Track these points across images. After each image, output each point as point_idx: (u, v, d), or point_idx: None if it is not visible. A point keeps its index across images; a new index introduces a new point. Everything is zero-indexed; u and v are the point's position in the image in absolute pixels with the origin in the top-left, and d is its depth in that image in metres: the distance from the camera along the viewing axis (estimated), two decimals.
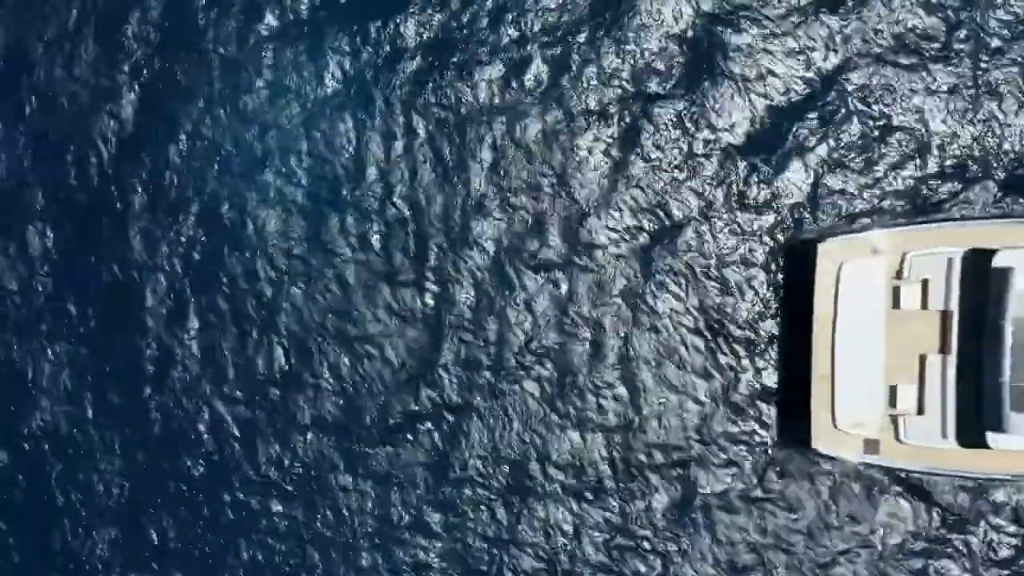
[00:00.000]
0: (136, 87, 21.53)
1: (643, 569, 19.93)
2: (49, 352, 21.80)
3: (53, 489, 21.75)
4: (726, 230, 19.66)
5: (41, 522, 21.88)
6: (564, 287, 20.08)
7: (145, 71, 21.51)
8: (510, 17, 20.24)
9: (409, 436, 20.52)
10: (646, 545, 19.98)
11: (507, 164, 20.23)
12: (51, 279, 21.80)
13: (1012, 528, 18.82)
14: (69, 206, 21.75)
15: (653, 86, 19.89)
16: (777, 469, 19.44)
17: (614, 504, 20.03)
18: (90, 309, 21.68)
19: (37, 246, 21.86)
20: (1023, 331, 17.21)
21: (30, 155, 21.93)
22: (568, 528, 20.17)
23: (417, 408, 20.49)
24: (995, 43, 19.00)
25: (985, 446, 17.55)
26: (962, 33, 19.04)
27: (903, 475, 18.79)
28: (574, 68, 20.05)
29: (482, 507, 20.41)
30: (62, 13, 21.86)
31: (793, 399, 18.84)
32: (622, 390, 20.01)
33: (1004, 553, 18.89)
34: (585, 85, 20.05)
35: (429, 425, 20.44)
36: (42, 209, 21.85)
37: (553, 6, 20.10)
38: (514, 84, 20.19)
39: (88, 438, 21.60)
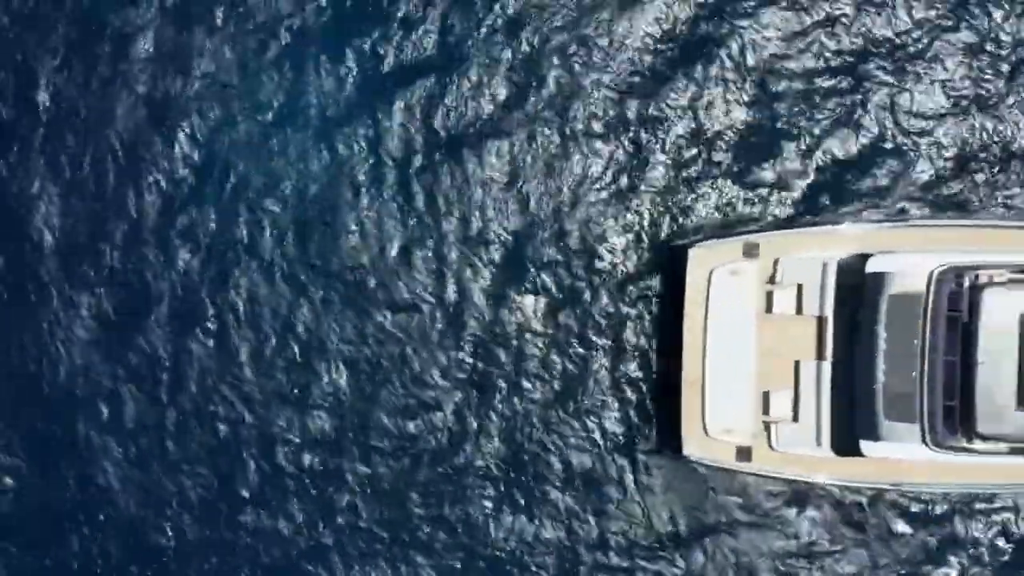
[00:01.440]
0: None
1: None
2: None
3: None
4: (600, 235, 19.16)
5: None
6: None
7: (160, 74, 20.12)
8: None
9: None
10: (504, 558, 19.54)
11: None
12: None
13: (881, 536, 18.85)
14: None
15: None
16: (649, 477, 19.02)
17: (480, 516, 19.48)
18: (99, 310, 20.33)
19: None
20: (896, 337, 17.07)
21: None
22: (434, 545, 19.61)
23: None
24: (872, 45, 18.76)
25: (859, 454, 17.41)
26: (844, 36, 18.80)
27: (776, 482, 18.54)
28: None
29: None
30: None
31: (669, 406, 18.39)
32: (488, 397, 19.43)
33: (873, 561, 18.92)
34: None
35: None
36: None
37: None
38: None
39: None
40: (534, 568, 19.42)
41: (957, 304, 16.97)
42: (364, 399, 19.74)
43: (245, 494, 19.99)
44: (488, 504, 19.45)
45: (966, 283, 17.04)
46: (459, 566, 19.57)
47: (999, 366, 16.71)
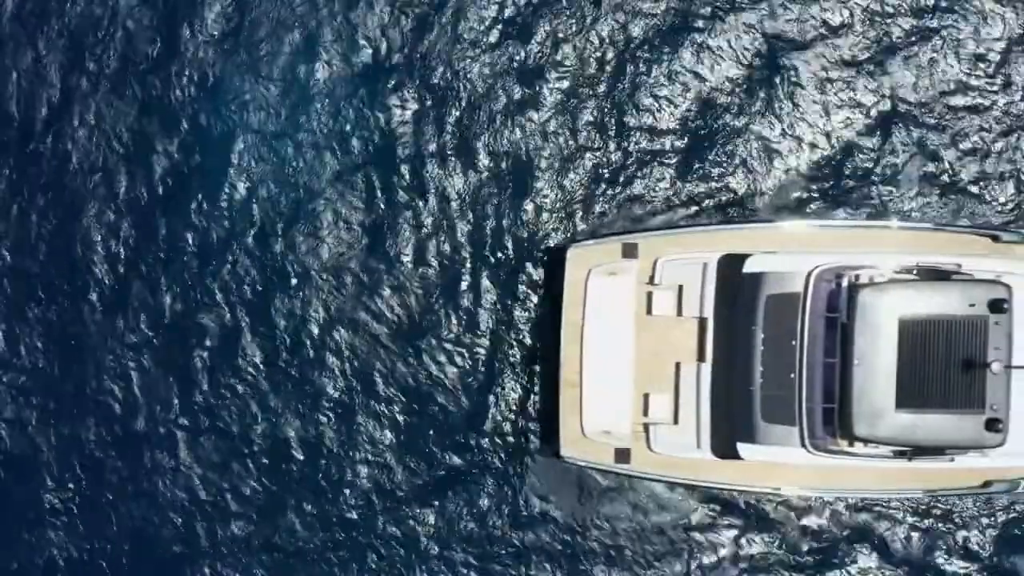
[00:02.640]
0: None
1: None
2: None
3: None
4: (482, 236, 19.06)
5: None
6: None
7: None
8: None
9: None
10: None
11: None
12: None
13: (759, 540, 18.73)
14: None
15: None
16: (531, 479, 18.90)
17: (367, 520, 19.36)
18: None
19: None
20: (774, 338, 16.86)
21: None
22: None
23: None
24: (757, 46, 18.77)
25: (738, 456, 17.20)
26: (728, 37, 18.76)
27: (655, 485, 18.43)
28: None
29: None
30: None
31: (550, 408, 18.32)
32: (369, 403, 19.30)
33: (753, 564, 18.78)
34: None
35: None
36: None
37: None
38: None
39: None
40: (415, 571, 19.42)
41: (836, 305, 16.77)
42: None
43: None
44: (374, 505, 19.36)
45: (845, 283, 16.82)
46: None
47: (878, 367, 16.47)
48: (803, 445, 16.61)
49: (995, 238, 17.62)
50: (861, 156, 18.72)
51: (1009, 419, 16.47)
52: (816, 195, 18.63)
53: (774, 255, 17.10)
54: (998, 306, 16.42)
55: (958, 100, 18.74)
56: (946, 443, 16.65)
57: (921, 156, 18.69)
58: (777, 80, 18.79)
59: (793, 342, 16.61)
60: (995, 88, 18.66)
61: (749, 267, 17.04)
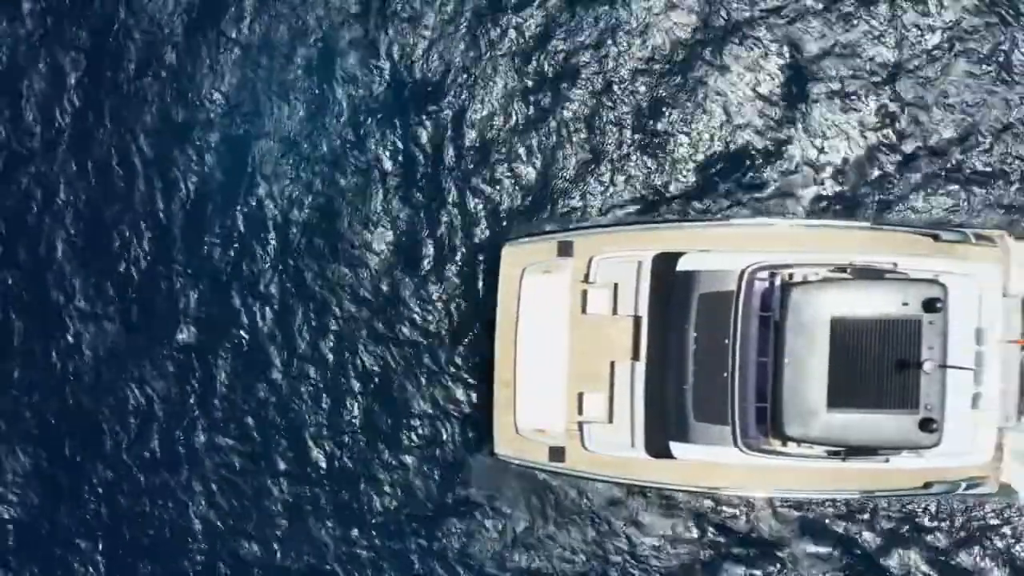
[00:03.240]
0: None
1: None
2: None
3: None
4: (418, 233, 19.12)
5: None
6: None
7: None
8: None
9: None
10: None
11: None
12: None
13: (692, 538, 18.72)
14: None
15: None
16: (466, 477, 19.00)
17: (299, 520, 19.40)
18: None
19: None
20: (707, 337, 16.77)
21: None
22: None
23: None
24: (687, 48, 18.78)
25: (671, 456, 17.12)
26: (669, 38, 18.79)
27: (591, 483, 18.42)
28: None
29: None
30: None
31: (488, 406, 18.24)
32: (309, 401, 19.37)
33: (686, 564, 18.77)
34: None
35: None
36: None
37: None
38: None
39: None
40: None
41: (769, 304, 16.67)
42: None
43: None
44: (304, 500, 19.43)
45: (778, 282, 16.73)
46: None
47: (809, 367, 16.35)
48: (736, 445, 16.51)
49: (935, 237, 17.49)
50: (798, 155, 18.71)
51: (944, 419, 16.38)
52: (751, 194, 18.61)
53: (708, 253, 17.02)
54: (932, 305, 16.31)
55: (896, 99, 18.72)
56: (879, 443, 16.52)
57: (862, 154, 18.66)
58: (710, 79, 18.82)
59: (726, 341, 16.52)
60: (943, 88, 18.63)
61: (683, 265, 16.97)
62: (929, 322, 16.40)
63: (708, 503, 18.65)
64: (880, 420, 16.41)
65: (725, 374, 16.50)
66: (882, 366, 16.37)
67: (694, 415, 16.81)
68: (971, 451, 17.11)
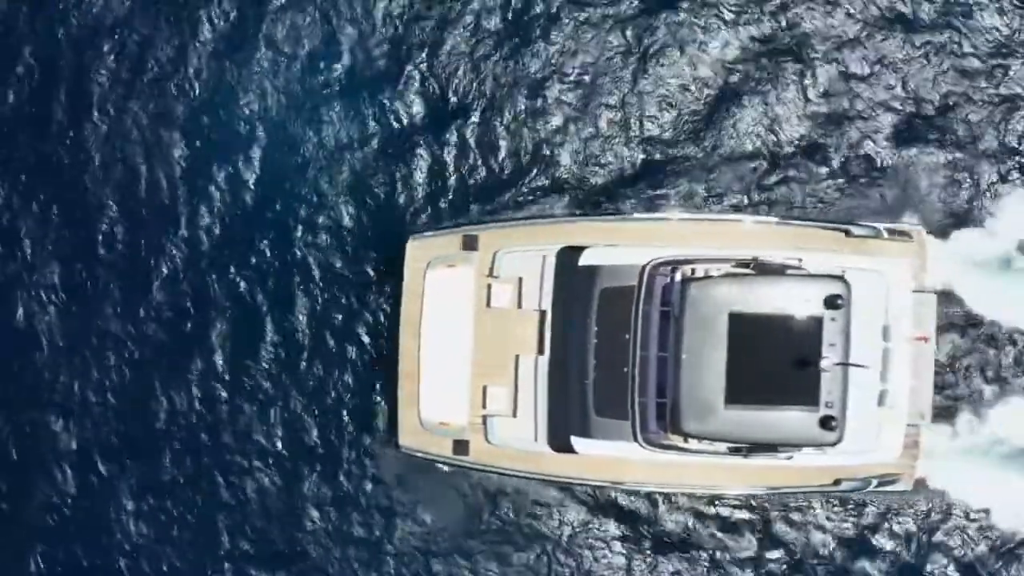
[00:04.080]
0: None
1: None
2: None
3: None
4: (329, 226, 19.18)
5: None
6: None
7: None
8: None
9: None
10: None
11: None
12: None
13: (594, 533, 18.77)
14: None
15: None
16: (374, 471, 19.03)
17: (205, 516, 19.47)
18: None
19: None
20: (608, 332, 16.73)
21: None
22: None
23: None
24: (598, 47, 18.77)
25: (573, 450, 17.11)
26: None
27: (494, 477, 18.38)
28: None
29: None
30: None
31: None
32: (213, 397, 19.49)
33: (583, 555, 18.86)
34: None
35: None
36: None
37: None
38: None
39: None
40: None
41: (670, 299, 16.58)
42: None
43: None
44: (216, 492, 19.49)
45: (678, 277, 16.65)
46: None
47: (707, 362, 16.27)
48: (636, 440, 16.47)
49: (847, 232, 17.32)
50: (708, 149, 18.68)
51: (846, 417, 16.27)
52: (658, 189, 18.58)
53: (610, 248, 17.00)
54: (833, 302, 16.18)
55: (818, 92, 18.65)
56: (778, 441, 16.44)
57: (775, 148, 18.62)
58: (614, 76, 18.82)
59: (626, 336, 16.47)
60: (868, 84, 18.56)
61: (585, 260, 16.95)
62: (831, 319, 16.28)
63: (644, 501, 18.73)
64: (779, 417, 16.31)
65: (625, 369, 16.45)
66: (782, 363, 16.27)
67: (595, 410, 16.79)
68: (877, 449, 16.99)
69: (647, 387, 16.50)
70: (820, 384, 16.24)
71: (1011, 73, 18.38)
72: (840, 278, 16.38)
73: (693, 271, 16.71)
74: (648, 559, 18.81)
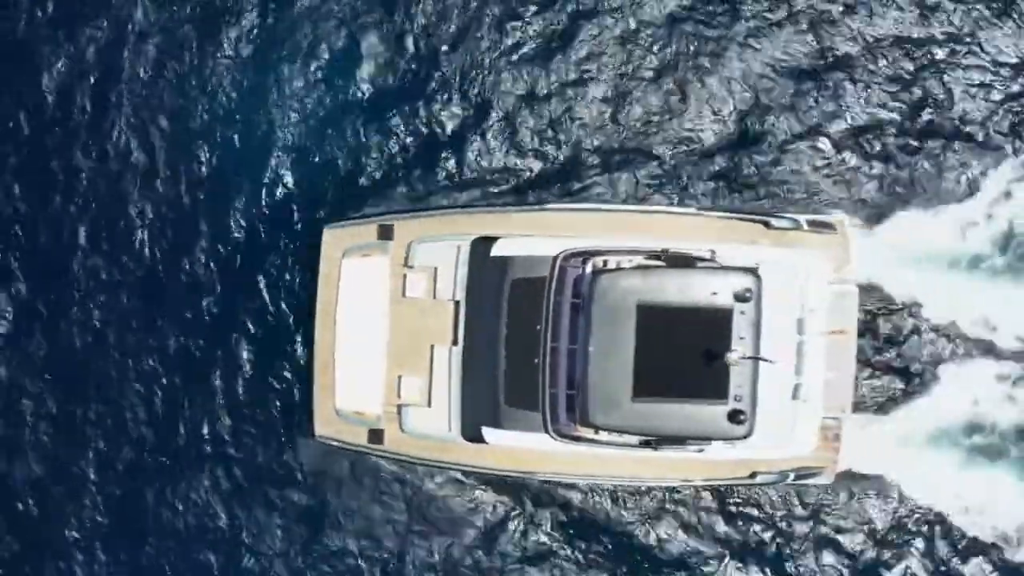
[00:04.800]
0: None
1: None
2: None
3: None
4: (241, 217, 19.20)
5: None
6: None
7: None
8: None
9: None
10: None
11: None
12: None
13: (499, 522, 18.90)
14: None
15: None
16: (291, 461, 19.11)
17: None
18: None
19: None
20: (519, 323, 16.69)
21: None
22: None
23: None
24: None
25: (484, 440, 17.14)
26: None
27: (409, 466, 18.52)
28: None
29: None
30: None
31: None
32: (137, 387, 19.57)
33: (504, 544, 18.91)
34: None
35: None
36: None
37: None
38: None
39: None
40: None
41: (581, 290, 16.54)
42: None
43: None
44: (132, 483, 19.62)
45: (589, 269, 16.59)
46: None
47: (615, 355, 16.22)
48: (546, 431, 16.46)
49: (767, 224, 17.17)
50: (631, 140, 18.57)
51: (756, 411, 16.20)
52: (580, 180, 18.54)
53: (522, 239, 16.94)
54: (742, 295, 16.09)
55: (741, 85, 18.49)
56: (686, 434, 16.39)
57: (694, 139, 18.52)
58: (530, 67, 18.77)
59: (537, 327, 16.42)
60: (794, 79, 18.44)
61: (497, 251, 16.93)
62: (740, 312, 16.20)
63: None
64: (687, 411, 16.26)
65: (536, 361, 16.43)
66: (690, 356, 16.21)
67: (506, 401, 16.80)
68: (791, 442, 16.91)
69: (557, 379, 16.47)
70: (729, 378, 16.18)
71: (932, 71, 18.26)
72: (751, 271, 16.26)
73: (605, 263, 16.65)
74: (579, 549, 18.87)
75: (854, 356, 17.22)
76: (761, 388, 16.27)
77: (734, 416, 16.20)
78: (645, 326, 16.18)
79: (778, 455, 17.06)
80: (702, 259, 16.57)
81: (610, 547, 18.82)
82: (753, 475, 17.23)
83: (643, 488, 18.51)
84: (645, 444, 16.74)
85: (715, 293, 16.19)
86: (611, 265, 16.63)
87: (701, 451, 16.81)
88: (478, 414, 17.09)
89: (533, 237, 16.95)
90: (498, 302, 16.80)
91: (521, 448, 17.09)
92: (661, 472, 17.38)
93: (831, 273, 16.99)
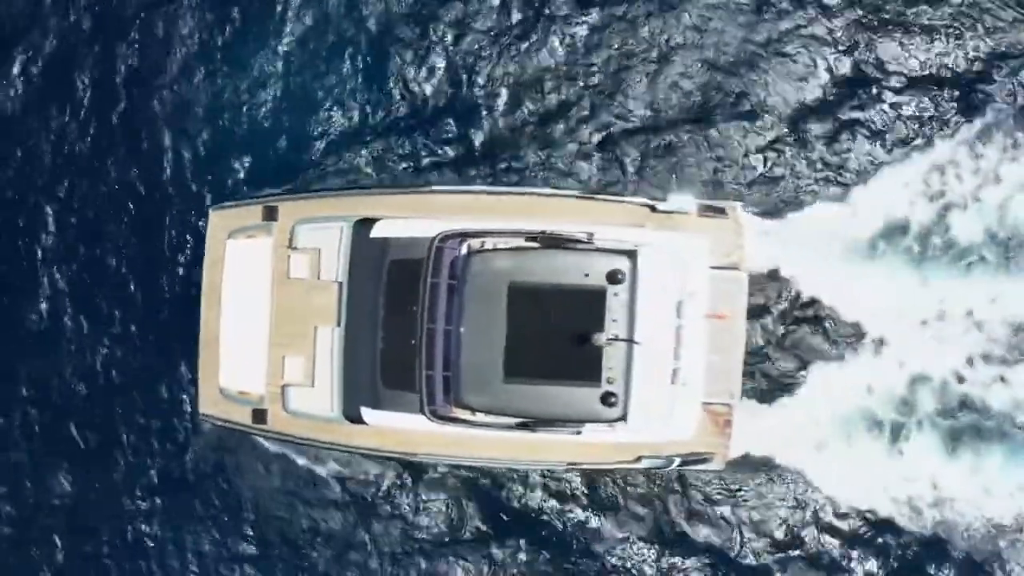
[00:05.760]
0: None
1: None
2: None
3: None
4: (128, 197, 19.35)
5: None
6: None
7: None
8: None
9: None
10: None
11: None
12: None
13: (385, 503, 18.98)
14: None
15: None
16: (178, 440, 19.35)
17: None
18: None
19: None
20: (397, 304, 16.75)
21: None
22: None
23: None
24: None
25: (364, 421, 17.19)
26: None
27: (294, 446, 18.55)
28: None
29: None
30: None
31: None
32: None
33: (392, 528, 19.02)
34: None
35: None
36: None
37: None
38: None
39: None
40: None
41: (458, 272, 16.55)
42: None
43: None
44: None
45: (465, 250, 16.60)
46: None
47: (487, 336, 16.30)
48: (423, 413, 16.51)
49: (653, 208, 17.08)
50: (520, 123, 18.63)
51: (630, 394, 16.17)
52: (469, 162, 18.62)
53: (402, 220, 16.97)
54: (614, 277, 16.06)
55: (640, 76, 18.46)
56: (559, 416, 16.40)
57: (581, 123, 18.56)
58: (412, 51, 18.92)
59: (414, 308, 16.49)
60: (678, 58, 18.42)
61: (376, 232, 16.99)
62: (614, 294, 16.17)
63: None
64: (560, 392, 16.29)
65: (413, 342, 16.48)
66: (563, 337, 16.20)
67: (384, 382, 16.86)
68: (671, 427, 16.81)
69: (434, 360, 16.45)
70: (602, 360, 16.17)
71: (833, 60, 18.18)
72: (626, 252, 16.23)
73: (483, 244, 16.65)
74: (477, 529, 18.92)
75: (743, 342, 17.09)
76: (637, 371, 16.25)
77: (606, 399, 16.18)
78: (516, 307, 16.22)
79: (659, 439, 16.95)
80: (578, 241, 16.53)
81: (506, 528, 18.84)
82: (638, 459, 17.14)
83: (532, 471, 18.48)
84: (522, 426, 16.75)
85: (587, 275, 16.19)
86: (488, 247, 16.64)
87: (579, 433, 16.73)
88: (358, 395, 17.14)
89: (412, 219, 16.97)
90: (377, 283, 16.86)
91: (400, 429, 17.10)
92: (542, 455, 17.29)
93: (719, 258, 16.90)
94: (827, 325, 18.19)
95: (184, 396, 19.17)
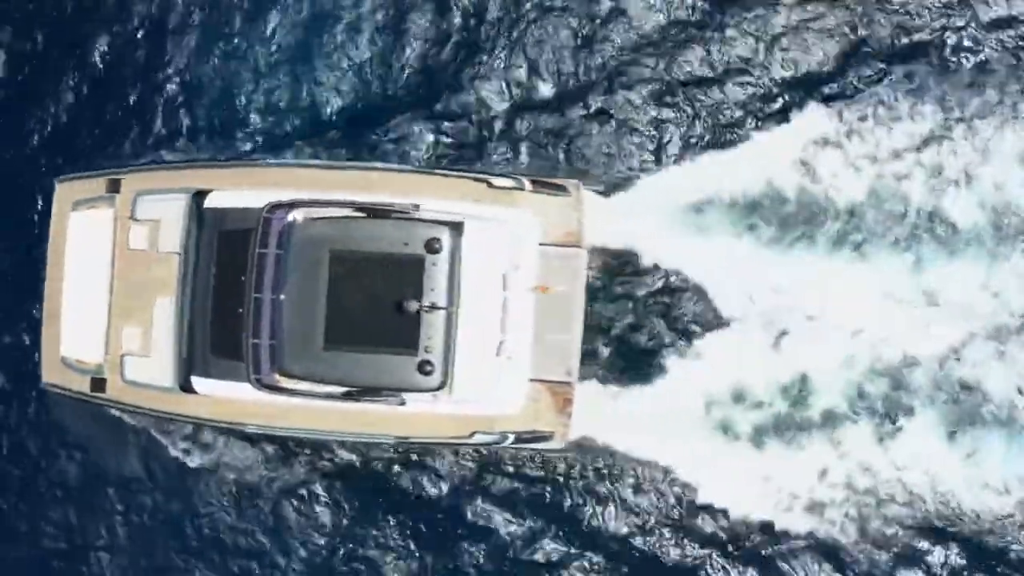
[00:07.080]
0: None
1: None
2: None
3: None
4: None
5: None
6: None
7: None
8: None
9: None
10: None
11: None
12: None
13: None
14: None
15: None
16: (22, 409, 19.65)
17: None
18: None
19: None
20: (227, 274, 16.97)
21: None
22: None
23: None
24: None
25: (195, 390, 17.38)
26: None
27: (134, 415, 18.72)
28: None
29: None
30: None
31: None
32: None
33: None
34: None
35: None
36: None
37: None
38: None
39: None
40: None
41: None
42: None
43: None
44: None
45: (294, 220, 16.79)
46: None
47: (308, 304, 16.50)
48: (249, 381, 16.65)
49: (488, 184, 17.19)
50: (361, 98, 18.92)
51: (451, 364, 16.27)
52: (311, 138, 18.82)
53: (234, 192, 17.22)
54: (432, 246, 16.19)
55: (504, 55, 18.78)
56: (378, 384, 16.51)
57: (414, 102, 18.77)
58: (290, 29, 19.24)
59: (243, 278, 16.70)
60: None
61: (209, 203, 17.26)
62: (432, 263, 16.29)
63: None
64: (378, 360, 16.43)
65: (240, 310, 16.68)
66: (382, 306, 16.34)
67: (212, 350, 17.07)
68: (496, 400, 16.84)
69: (261, 329, 16.63)
70: (420, 328, 16.26)
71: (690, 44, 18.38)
72: (449, 224, 16.36)
73: (310, 215, 16.83)
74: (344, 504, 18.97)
75: (580, 320, 17.12)
76: (460, 342, 16.34)
77: (423, 367, 16.28)
78: (337, 275, 16.42)
79: (488, 413, 16.97)
80: (403, 212, 16.67)
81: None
82: (472, 435, 17.14)
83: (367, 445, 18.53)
84: (347, 396, 16.82)
85: (407, 243, 16.33)
86: (313, 217, 16.81)
87: (403, 404, 16.79)
88: (190, 363, 17.34)
89: (244, 190, 17.20)
90: (209, 254, 17.13)
91: (230, 398, 17.25)
92: (372, 427, 17.32)
93: (557, 235, 17.00)
94: (667, 302, 18.10)
95: (28, 366, 19.32)
